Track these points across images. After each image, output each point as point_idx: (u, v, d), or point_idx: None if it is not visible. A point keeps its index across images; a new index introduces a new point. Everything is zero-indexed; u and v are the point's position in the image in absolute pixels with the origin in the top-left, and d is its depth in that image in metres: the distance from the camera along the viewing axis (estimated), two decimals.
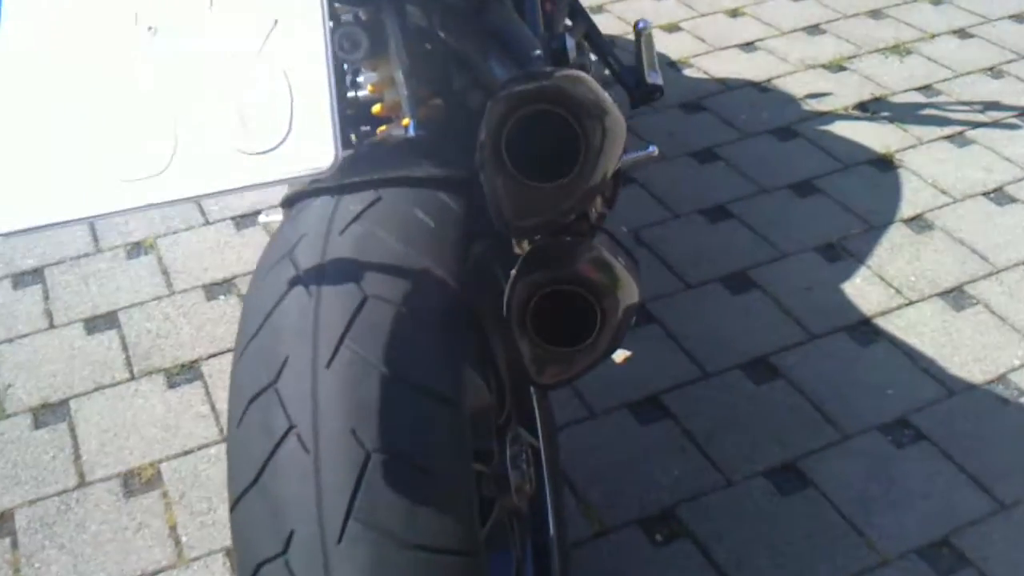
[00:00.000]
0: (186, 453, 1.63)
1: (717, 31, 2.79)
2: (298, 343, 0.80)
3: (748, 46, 2.71)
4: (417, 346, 0.82)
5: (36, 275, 2.00)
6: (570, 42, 1.19)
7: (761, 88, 2.51)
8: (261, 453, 0.78)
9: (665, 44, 2.74)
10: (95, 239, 2.09)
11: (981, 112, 2.37)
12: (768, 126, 2.35)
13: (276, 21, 0.67)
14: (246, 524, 0.80)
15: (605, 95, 0.81)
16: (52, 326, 1.87)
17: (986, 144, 2.25)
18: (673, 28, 2.81)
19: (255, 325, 0.84)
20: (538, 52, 1.06)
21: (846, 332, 1.77)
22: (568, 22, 1.37)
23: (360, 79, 1.42)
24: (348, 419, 0.77)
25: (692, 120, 2.39)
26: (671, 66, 2.63)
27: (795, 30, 2.78)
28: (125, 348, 1.82)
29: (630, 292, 0.87)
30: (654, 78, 1.07)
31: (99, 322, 1.88)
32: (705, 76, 2.58)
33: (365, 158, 0.99)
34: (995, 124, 2.32)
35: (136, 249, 2.06)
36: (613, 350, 0.89)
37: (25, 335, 1.85)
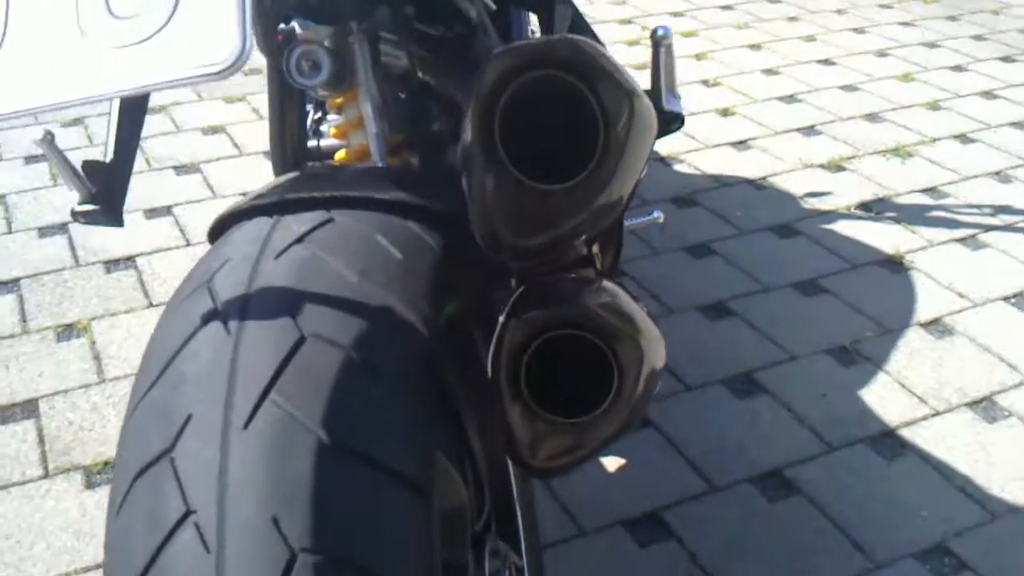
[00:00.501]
0: (98, 567, 1.37)
1: (708, 129, 2.65)
2: (206, 396, 0.58)
3: (741, 144, 2.57)
4: (371, 406, 0.59)
5: None
6: None
7: (757, 186, 2.36)
8: (144, 550, 0.55)
9: None
10: (23, 319, 1.86)
11: (992, 216, 2.21)
12: (767, 223, 2.19)
13: None
14: None
15: (629, 76, 0.61)
16: None
17: (1001, 248, 2.09)
18: None
19: (153, 375, 0.62)
20: None
21: (868, 444, 1.56)
22: None
23: (323, 127, 1.24)
24: (268, 503, 0.54)
25: (685, 214, 2.22)
26: (660, 161, 2.48)
27: (789, 130, 2.65)
28: (42, 441, 1.57)
29: (656, 347, 0.66)
30: (674, 104, 0.88)
31: (15, 411, 1.63)
32: (697, 172, 2.42)
33: (316, 177, 0.79)
34: (1008, 228, 2.17)
35: (68, 331, 1.83)
36: (630, 426, 0.67)
37: None
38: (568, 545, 1.38)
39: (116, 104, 0.95)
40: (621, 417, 0.65)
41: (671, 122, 0.90)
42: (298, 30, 0.98)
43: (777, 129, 2.66)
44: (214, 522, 0.54)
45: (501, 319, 0.66)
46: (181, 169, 2.45)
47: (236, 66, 0.44)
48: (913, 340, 1.80)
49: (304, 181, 0.76)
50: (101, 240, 2.12)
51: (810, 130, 2.65)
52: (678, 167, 2.45)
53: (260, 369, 0.58)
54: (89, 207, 0.95)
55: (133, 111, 0.96)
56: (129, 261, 2.05)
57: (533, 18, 1.34)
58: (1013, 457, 1.53)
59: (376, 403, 0.60)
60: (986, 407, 1.63)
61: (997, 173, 2.42)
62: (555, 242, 0.64)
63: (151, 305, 1.91)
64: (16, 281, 1.98)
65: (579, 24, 1.24)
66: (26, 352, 1.78)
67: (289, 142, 1.15)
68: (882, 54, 3.22)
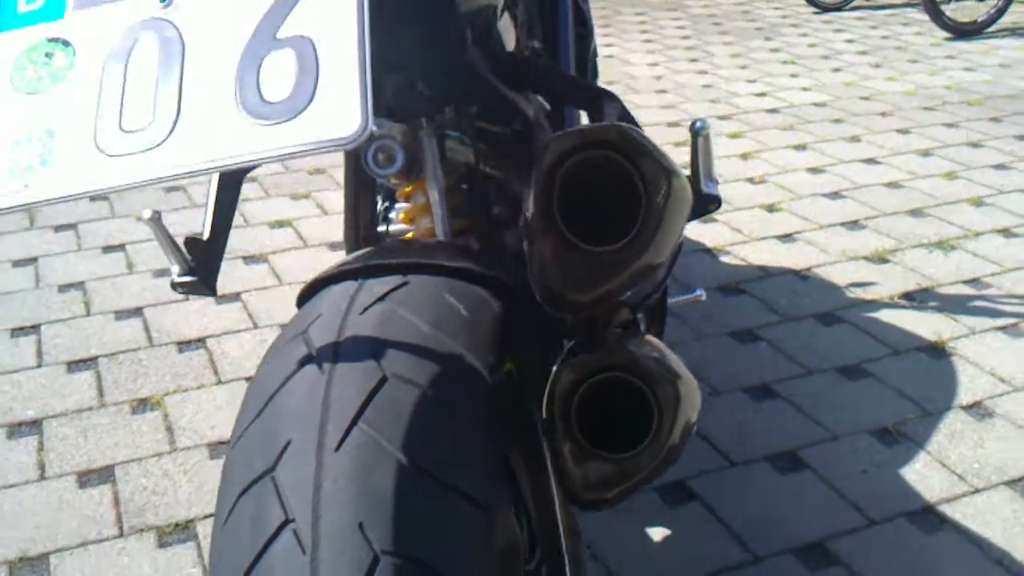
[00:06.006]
0: None
1: (754, 224, 2.75)
2: (303, 425, 0.68)
3: (786, 237, 2.66)
4: (444, 435, 0.69)
5: (34, 426, 1.88)
6: None
7: (802, 276, 2.44)
8: (248, 553, 0.64)
9: (700, 233, 2.70)
10: (100, 394, 1.98)
11: None
12: (811, 311, 2.26)
13: None
14: None
15: (669, 157, 0.72)
16: (43, 478, 1.73)
17: None
18: (708, 219, 2.78)
19: (255, 409, 0.72)
20: None
21: (908, 519, 1.60)
22: None
23: (391, 215, 1.35)
24: (356, 512, 0.63)
25: (730, 302, 2.31)
26: (706, 252, 2.58)
27: (833, 224, 2.74)
28: (117, 504, 1.67)
29: (692, 393, 0.75)
30: (711, 188, 0.98)
31: (92, 476, 1.74)
32: (743, 263, 2.51)
33: (392, 249, 0.90)
34: None
35: (142, 405, 1.95)
36: (667, 463, 0.76)
37: (12, 485, 1.71)
38: None
39: (214, 186, 1.07)
40: (658, 456, 0.74)
41: (708, 204, 0.99)
42: (375, 129, 1.10)
43: (822, 223, 2.75)
44: (309, 527, 0.63)
45: (555, 367, 0.75)
46: (249, 259, 2.60)
47: (359, 136, 0.55)
48: (954, 422, 1.84)
49: (382, 252, 0.87)
50: (174, 323, 2.26)
51: (854, 224, 2.74)
52: (724, 258, 2.55)
53: (350, 402, 0.68)
54: (188, 279, 1.07)
55: (228, 192, 1.09)
56: (200, 342, 2.18)
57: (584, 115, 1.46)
58: None
59: (447, 433, 0.69)
60: None
61: None
62: (604, 297, 0.73)
63: (220, 382, 2.02)
64: (94, 359, 2.12)
65: (625, 119, 1.36)
66: (102, 423, 1.89)
67: (362, 226, 1.27)
68: (926, 154, 3.32)
